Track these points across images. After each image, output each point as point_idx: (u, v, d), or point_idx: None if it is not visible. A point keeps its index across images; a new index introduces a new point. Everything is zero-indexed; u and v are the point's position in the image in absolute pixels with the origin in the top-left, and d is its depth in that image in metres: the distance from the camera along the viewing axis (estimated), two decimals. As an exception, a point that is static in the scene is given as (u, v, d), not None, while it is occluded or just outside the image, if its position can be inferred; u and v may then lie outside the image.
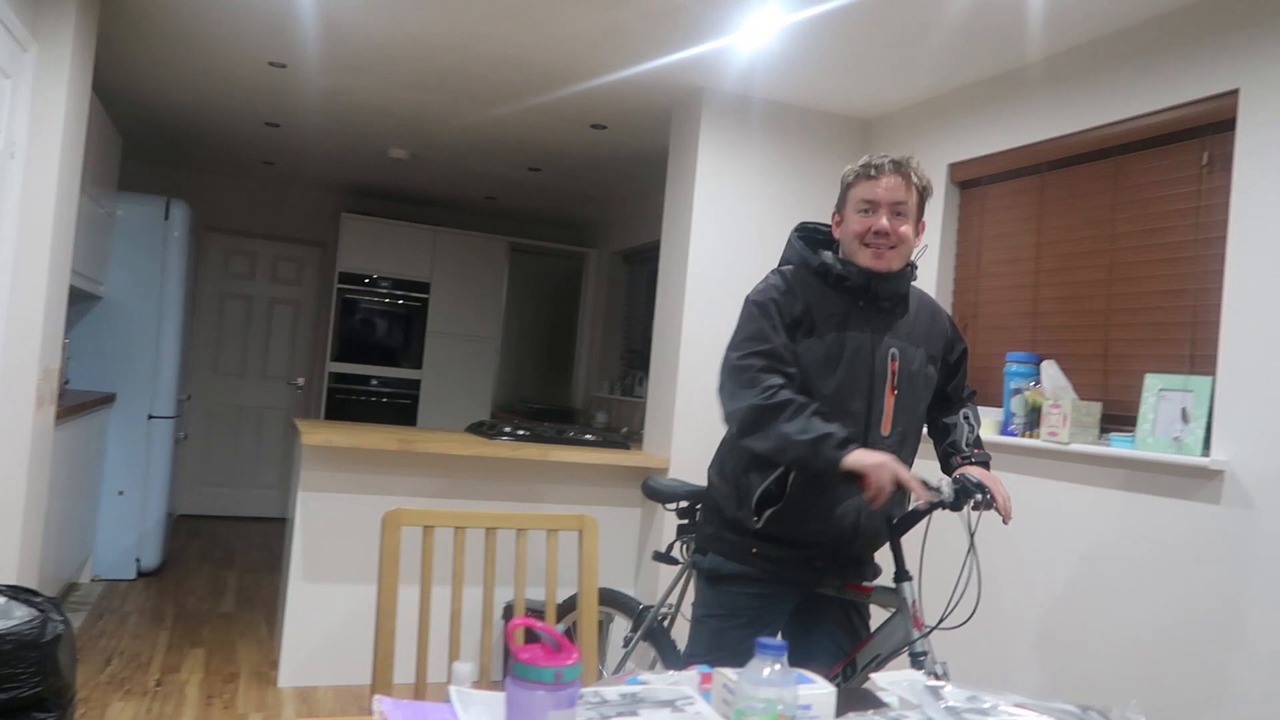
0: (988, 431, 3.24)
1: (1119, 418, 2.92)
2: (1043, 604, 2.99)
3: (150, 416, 4.93)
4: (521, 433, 3.92)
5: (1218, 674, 2.46)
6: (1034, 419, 3.08)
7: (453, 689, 1.13)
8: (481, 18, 3.30)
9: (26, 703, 2.06)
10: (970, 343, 3.52)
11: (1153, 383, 2.72)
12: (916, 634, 1.95)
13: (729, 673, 1.11)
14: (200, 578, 5.08)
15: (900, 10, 2.95)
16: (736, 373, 2.01)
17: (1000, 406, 3.28)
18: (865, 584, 2.11)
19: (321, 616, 3.57)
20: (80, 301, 4.77)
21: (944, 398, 2.27)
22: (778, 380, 1.97)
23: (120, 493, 4.87)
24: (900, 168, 2.05)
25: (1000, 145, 3.38)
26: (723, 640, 2.06)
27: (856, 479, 1.87)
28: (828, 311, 2.05)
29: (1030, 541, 3.06)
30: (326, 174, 6.38)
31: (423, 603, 1.64)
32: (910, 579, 2.02)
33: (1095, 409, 2.92)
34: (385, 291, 6.67)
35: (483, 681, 1.63)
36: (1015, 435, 3.13)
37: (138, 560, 4.93)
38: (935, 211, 3.65)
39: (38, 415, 3.08)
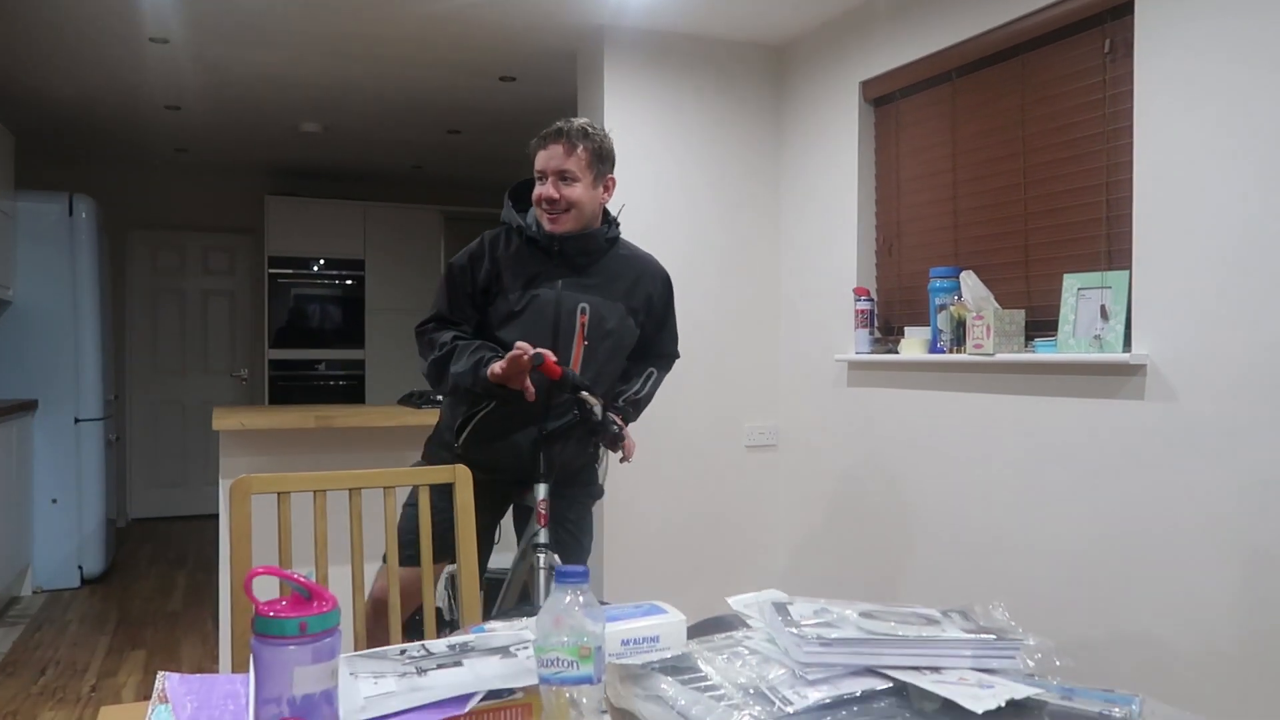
0: (916, 351, 3.16)
1: (1044, 323, 2.84)
2: (979, 518, 2.93)
3: (77, 420, 4.78)
4: (451, 399, 3.80)
5: (1151, 569, 2.40)
6: (960, 334, 3.00)
7: (251, 658, 1.03)
8: (355, -33, 3.14)
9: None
10: (895, 263, 3.43)
11: (1071, 283, 2.64)
12: (538, 527, 2.26)
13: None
14: (149, 580, 4.96)
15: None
16: (419, 339, 2.38)
17: (929, 325, 3.19)
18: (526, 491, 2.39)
19: (257, 605, 3.46)
20: (-13, 308, 4.59)
21: (640, 349, 2.49)
22: (448, 335, 2.30)
23: (54, 500, 4.72)
24: (564, 135, 2.24)
25: (908, 56, 3.26)
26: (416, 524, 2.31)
27: (528, 403, 2.18)
28: (519, 271, 2.30)
29: (962, 457, 2.99)
30: (243, 156, 6.18)
31: (282, 573, 1.54)
32: (543, 483, 2.29)
33: (1019, 316, 2.84)
34: (319, 273, 6.50)
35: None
36: (943, 352, 3.05)
37: (80, 568, 4.80)
38: (849, 133, 3.53)
39: (-75, 425, 2.94)
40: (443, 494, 2.22)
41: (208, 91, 4.60)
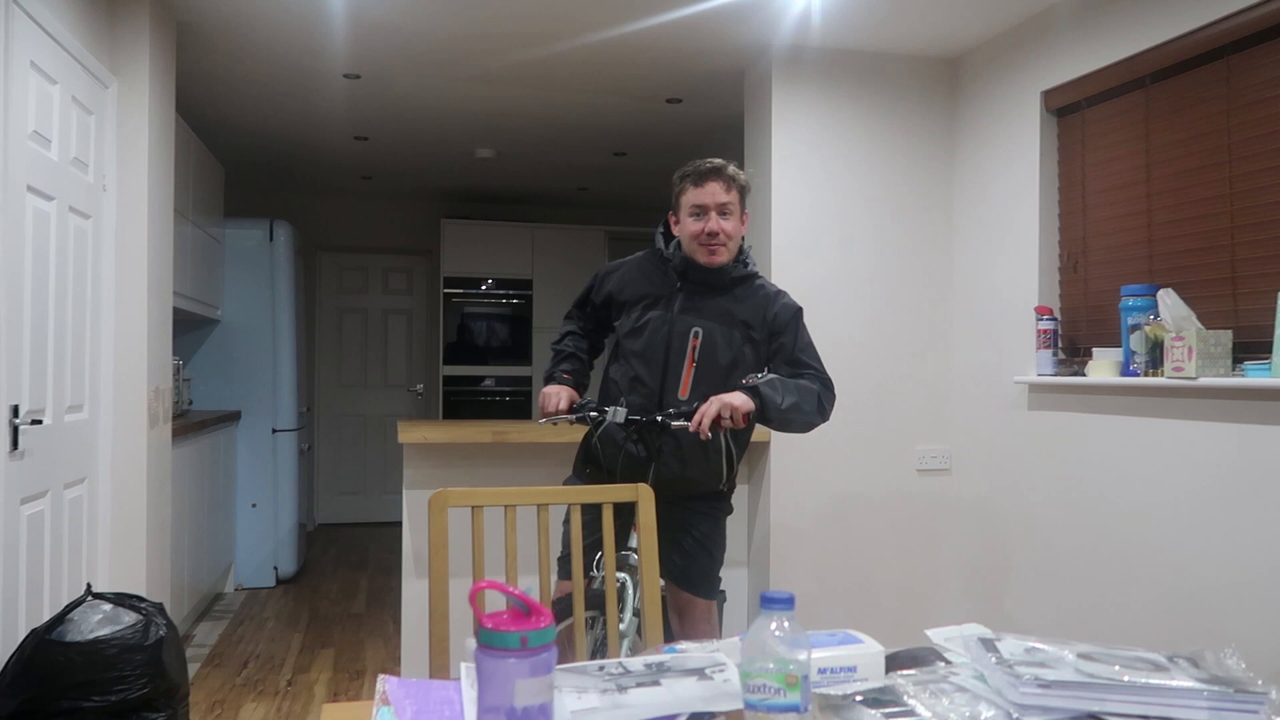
0: (1107, 374, 2.99)
1: (1255, 345, 2.63)
2: (1178, 555, 2.73)
3: (274, 430, 5.15)
4: (618, 417, 3.87)
5: (1388, 621, 2.18)
6: (1157, 355, 2.82)
7: (463, 665, 1.08)
8: (531, 3, 3.26)
9: (135, 704, 2.14)
10: (1081, 280, 3.26)
11: (1287, 301, 2.43)
12: (632, 532, 2.31)
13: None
14: (335, 582, 5.27)
15: (965, -71, 2.74)
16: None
17: (1120, 346, 3.01)
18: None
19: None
20: (200, 326, 5.01)
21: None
22: (570, 327, 2.74)
23: (253, 505, 5.10)
24: (719, 173, 2.40)
25: (1096, 63, 3.11)
26: (567, 536, 2.36)
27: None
28: (642, 293, 2.49)
29: (1159, 488, 2.80)
30: (422, 182, 6.52)
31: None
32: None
33: (1225, 338, 2.64)
34: (488, 292, 6.76)
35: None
36: (1137, 375, 2.87)
37: (275, 568, 5.16)
38: (1031, 147, 3.39)
39: (152, 434, 3.23)
40: (591, 511, 2.30)
41: (392, 122, 4.89)
